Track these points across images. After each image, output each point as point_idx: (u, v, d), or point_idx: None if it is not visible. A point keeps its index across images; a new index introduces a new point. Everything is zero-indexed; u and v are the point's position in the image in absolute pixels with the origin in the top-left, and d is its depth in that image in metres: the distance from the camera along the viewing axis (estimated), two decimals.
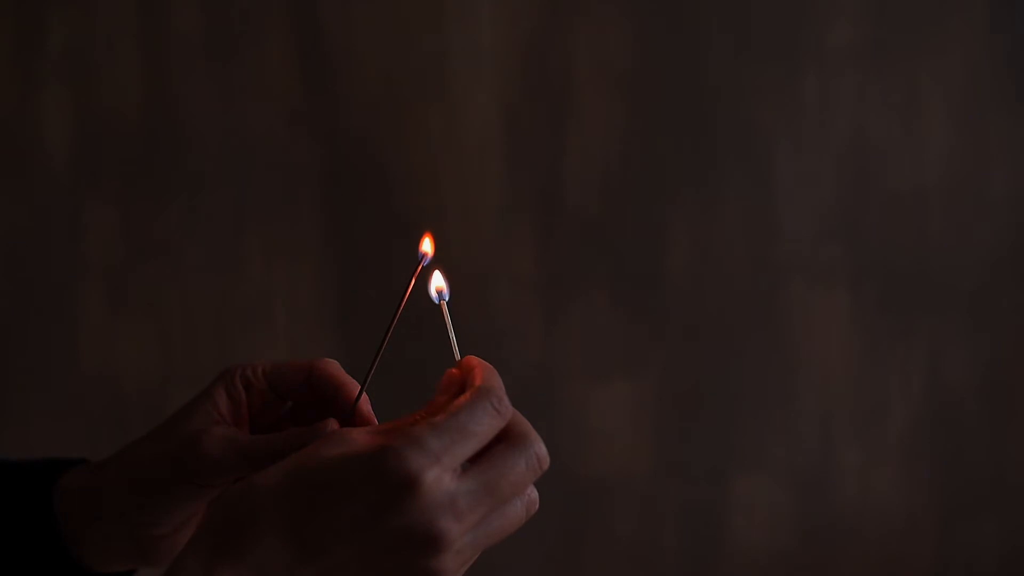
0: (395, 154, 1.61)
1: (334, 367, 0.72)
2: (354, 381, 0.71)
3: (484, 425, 0.61)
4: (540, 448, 0.61)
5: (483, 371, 0.65)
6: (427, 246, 0.76)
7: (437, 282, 0.75)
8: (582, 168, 1.65)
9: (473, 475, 0.59)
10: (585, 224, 1.66)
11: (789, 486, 1.73)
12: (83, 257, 1.57)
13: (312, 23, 1.58)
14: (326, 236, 1.61)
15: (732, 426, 1.71)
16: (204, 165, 1.58)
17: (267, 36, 1.58)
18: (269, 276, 1.60)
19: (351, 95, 1.60)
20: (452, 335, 0.72)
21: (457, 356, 0.71)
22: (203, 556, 0.57)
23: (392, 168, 1.61)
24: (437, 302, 0.73)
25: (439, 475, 0.58)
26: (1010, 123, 1.71)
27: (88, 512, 0.70)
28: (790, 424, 1.72)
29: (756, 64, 1.66)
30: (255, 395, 0.71)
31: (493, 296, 1.65)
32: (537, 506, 0.62)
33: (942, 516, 1.76)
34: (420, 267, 0.73)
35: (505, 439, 0.61)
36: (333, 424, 0.68)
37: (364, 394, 0.71)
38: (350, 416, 0.70)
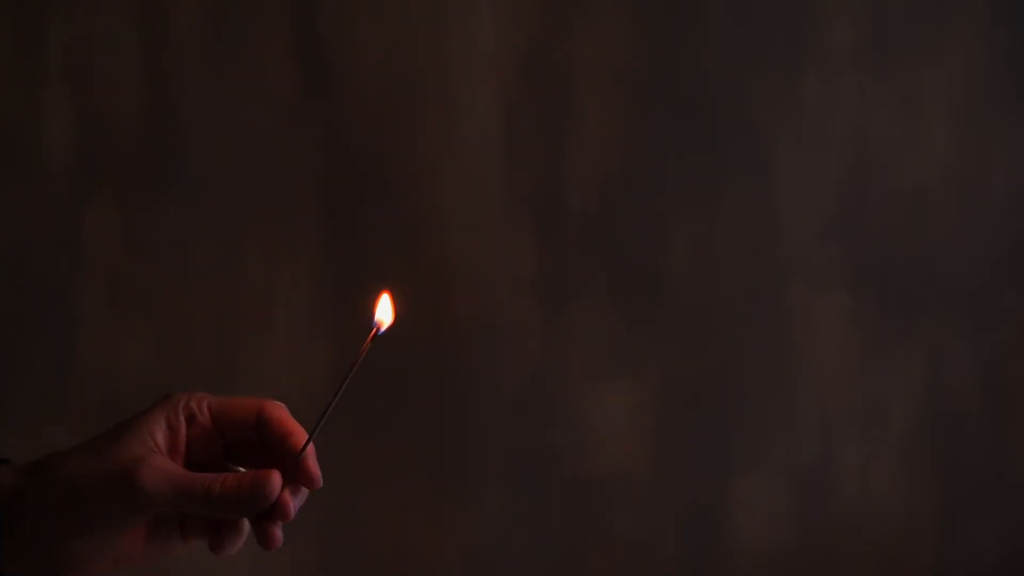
0: (395, 154, 1.61)
1: (282, 412, 0.71)
2: (302, 429, 0.70)
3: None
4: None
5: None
6: (385, 312, 0.75)
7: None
8: (582, 168, 1.65)
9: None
10: (585, 224, 1.66)
11: (789, 486, 1.73)
12: (83, 257, 1.57)
13: (312, 23, 1.58)
14: (326, 236, 1.61)
15: (732, 426, 1.71)
16: (204, 165, 1.58)
17: (267, 36, 1.58)
18: (269, 277, 1.60)
19: (351, 95, 1.60)
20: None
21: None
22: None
23: (392, 168, 1.61)
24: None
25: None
26: (1010, 123, 1.71)
27: (10, 518, 0.69)
28: (790, 424, 1.72)
29: (756, 64, 1.66)
30: (195, 428, 0.70)
31: (493, 296, 1.65)
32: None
33: (942, 516, 1.76)
34: (373, 335, 0.72)
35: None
36: (276, 478, 0.68)
37: (311, 445, 0.69)
38: (294, 467, 0.68)
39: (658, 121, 1.66)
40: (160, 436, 0.69)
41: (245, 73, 1.58)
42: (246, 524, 0.71)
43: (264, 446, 0.70)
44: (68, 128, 1.55)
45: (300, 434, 0.70)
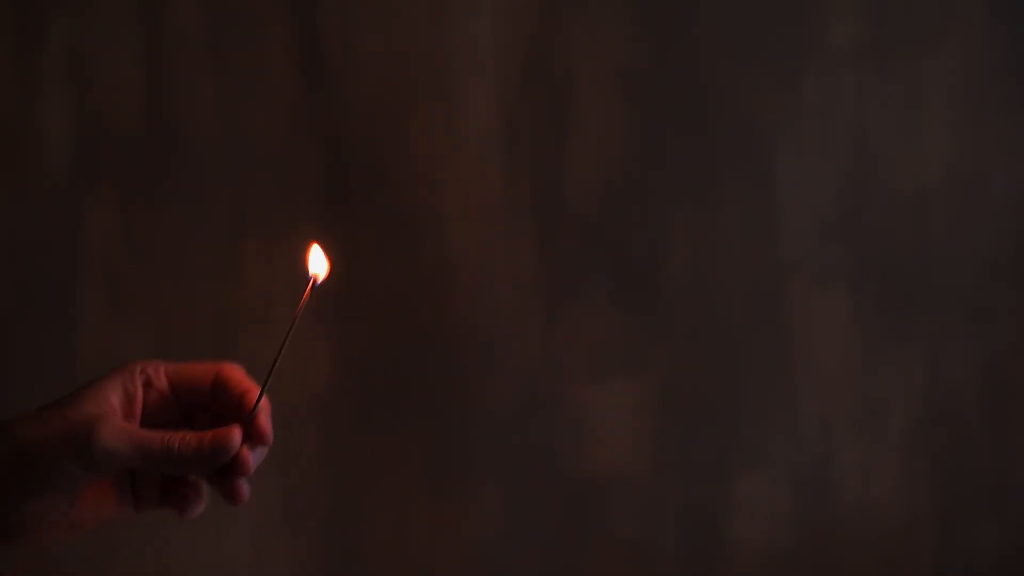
0: (395, 154, 1.61)
1: (239, 372, 0.72)
2: (258, 387, 0.70)
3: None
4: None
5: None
6: (319, 264, 0.75)
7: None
8: (582, 168, 1.65)
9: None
10: (585, 224, 1.66)
11: (789, 486, 1.73)
12: (83, 257, 1.57)
13: (312, 23, 1.58)
14: (326, 236, 1.61)
15: (732, 426, 1.71)
16: (204, 165, 1.58)
17: (267, 36, 1.58)
18: (269, 276, 1.60)
19: (351, 95, 1.60)
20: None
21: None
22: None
23: (392, 168, 1.61)
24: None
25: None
26: (1010, 123, 1.71)
27: None
28: (790, 424, 1.72)
29: (756, 64, 1.66)
30: (152, 393, 0.71)
31: (493, 296, 1.65)
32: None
33: (942, 516, 1.76)
34: (310, 287, 0.72)
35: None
36: (237, 433, 0.68)
37: (265, 401, 0.70)
38: (249, 423, 0.69)
39: (658, 121, 1.66)
40: (116, 400, 0.69)
41: (245, 73, 1.58)
42: (203, 485, 0.71)
43: (219, 411, 0.71)
44: (68, 128, 1.55)
45: (255, 393, 0.70)
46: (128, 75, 1.56)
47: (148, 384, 0.71)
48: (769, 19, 1.66)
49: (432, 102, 1.61)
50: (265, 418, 0.70)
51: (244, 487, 0.69)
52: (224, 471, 0.69)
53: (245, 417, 0.69)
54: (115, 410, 0.69)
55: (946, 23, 1.68)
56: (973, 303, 1.73)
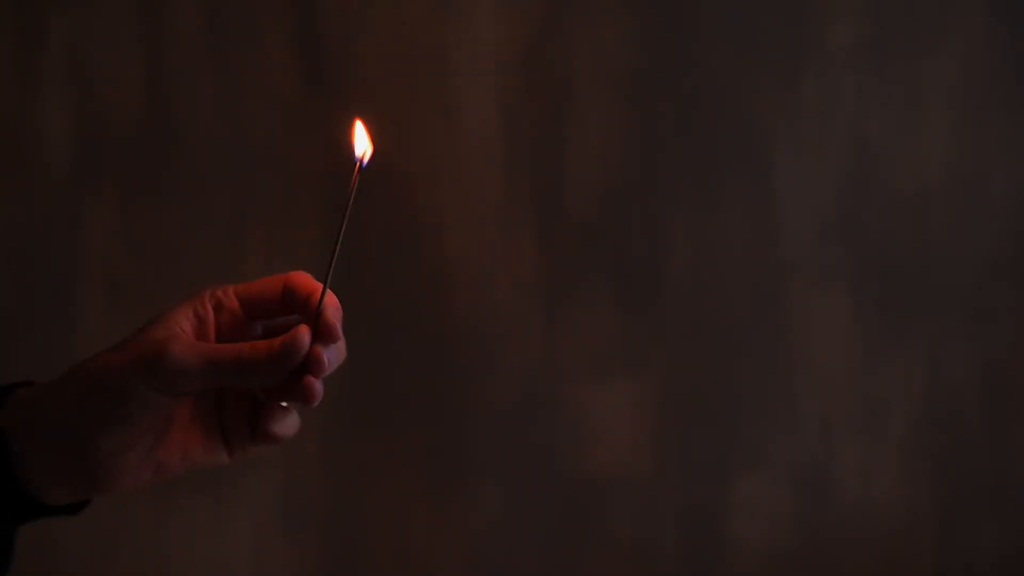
0: (395, 154, 1.61)
1: (306, 276, 0.70)
2: (329, 292, 0.69)
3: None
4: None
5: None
6: (362, 143, 0.74)
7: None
8: (582, 168, 1.65)
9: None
10: (585, 224, 1.66)
11: (789, 486, 1.73)
12: (83, 257, 1.57)
13: (312, 23, 1.58)
14: (326, 236, 1.61)
15: (732, 426, 1.71)
16: (204, 165, 1.58)
17: (267, 36, 1.58)
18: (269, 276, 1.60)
19: (351, 95, 1.59)
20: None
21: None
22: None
23: (392, 168, 1.61)
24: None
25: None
26: (1010, 123, 1.71)
27: (35, 424, 0.67)
28: (790, 424, 1.72)
29: (756, 64, 1.66)
30: (225, 315, 0.69)
31: (493, 296, 1.65)
32: None
33: (942, 516, 1.76)
34: (358, 169, 0.71)
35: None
36: (304, 329, 0.66)
37: (331, 297, 0.68)
38: (316, 321, 0.67)
39: (658, 121, 1.66)
40: (187, 325, 0.68)
41: (245, 73, 1.58)
42: (291, 406, 0.69)
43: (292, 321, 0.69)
44: (68, 128, 1.55)
45: (326, 296, 0.68)
46: (128, 75, 1.56)
47: (219, 307, 0.69)
48: (769, 19, 1.66)
49: (432, 102, 1.61)
50: (332, 313, 0.68)
51: (317, 385, 0.67)
52: (297, 373, 0.67)
53: (311, 315, 0.68)
54: (187, 333, 0.67)
55: (946, 23, 1.68)
56: (973, 303, 1.73)
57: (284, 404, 0.69)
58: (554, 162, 1.64)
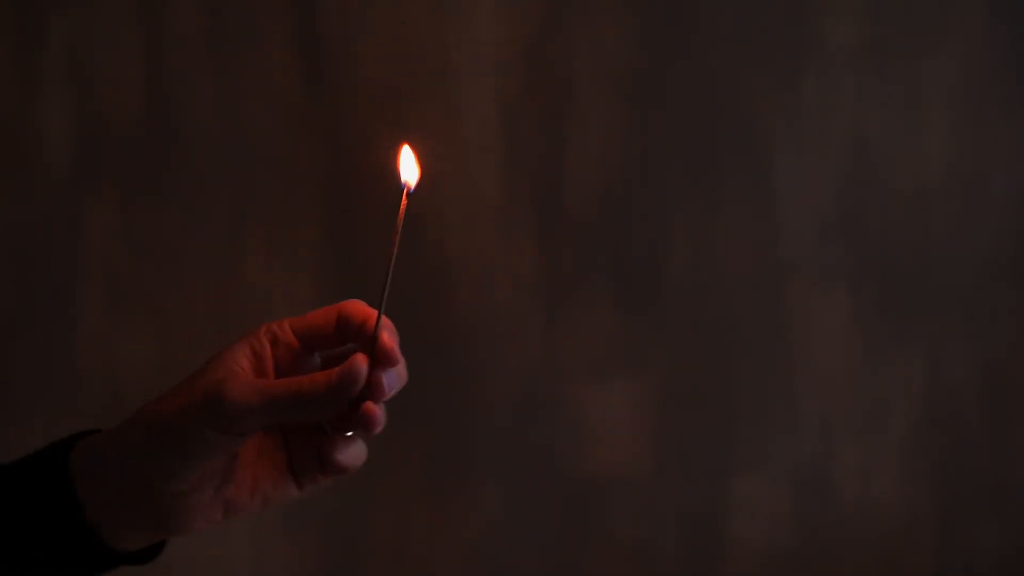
0: (394, 154, 1.61)
1: (360, 304, 0.69)
2: (384, 318, 0.68)
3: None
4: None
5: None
6: (410, 172, 0.74)
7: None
8: (582, 168, 1.65)
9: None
10: (585, 224, 1.66)
11: (789, 486, 1.73)
12: (83, 257, 1.57)
13: (312, 23, 1.58)
14: (326, 236, 1.61)
15: (732, 426, 1.71)
16: (204, 165, 1.58)
17: (267, 36, 1.58)
18: (269, 276, 1.60)
19: (351, 95, 1.60)
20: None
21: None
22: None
23: (392, 168, 1.61)
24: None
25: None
26: (1010, 123, 1.71)
27: (100, 471, 0.68)
28: (790, 424, 1.72)
29: (756, 64, 1.66)
30: (281, 348, 0.69)
31: (493, 296, 1.65)
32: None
33: (942, 516, 1.76)
34: (406, 195, 0.71)
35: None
36: (361, 358, 0.66)
37: (386, 321, 0.68)
38: (373, 347, 0.67)
39: (658, 121, 1.66)
40: (245, 362, 0.68)
41: (245, 73, 1.58)
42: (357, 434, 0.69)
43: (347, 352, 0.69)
44: (68, 128, 1.55)
45: (381, 321, 0.68)
46: (128, 75, 1.56)
47: (275, 341, 0.68)
48: (769, 19, 1.66)
49: (432, 102, 1.61)
50: (388, 336, 0.67)
51: (377, 411, 0.66)
52: (357, 402, 0.67)
53: (367, 341, 0.67)
54: (245, 371, 0.67)
55: (946, 23, 1.68)
56: (973, 303, 1.73)
57: (349, 434, 0.69)
58: (554, 162, 1.64)
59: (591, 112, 1.64)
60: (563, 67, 1.63)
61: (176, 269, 1.59)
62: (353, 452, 0.69)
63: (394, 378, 0.68)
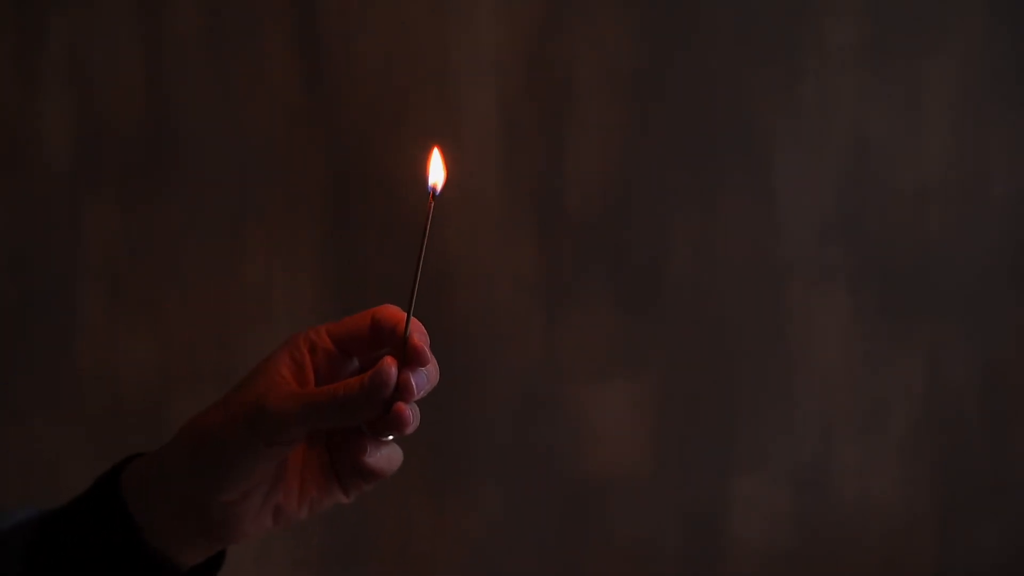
0: (395, 154, 1.61)
1: (393, 308, 0.71)
2: (413, 319, 0.70)
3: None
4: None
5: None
6: (437, 174, 0.75)
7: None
8: (582, 168, 1.65)
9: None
10: (585, 224, 1.66)
11: (789, 486, 1.73)
12: (83, 257, 1.57)
13: (312, 23, 1.58)
14: (326, 236, 1.61)
15: (732, 426, 1.71)
16: (204, 165, 1.58)
17: (267, 36, 1.58)
18: (269, 276, 1.60)
19: (351, 95, 1.60)
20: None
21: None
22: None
23: (392, 168, 1.61)
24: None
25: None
26: (1010, 123, 1.71)
27: (152, 487, 0.70)
28: (790, 424, 1.72)
29: (756, 64, 1.66)
30: (320, 356, 0.70)
31: (493, 296, 1.65)
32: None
33: (942, 516, 1.76)
34: (432, 200, 0.72)
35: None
36: (389, 359, 0.67)
37: (416, 323, 0.69)
38: (403, 349, 0.68)
39: (658, 121, 1.66)
40: (286, 371, 0.69)
41: (245, 73, 1.58)
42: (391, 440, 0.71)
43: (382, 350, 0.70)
44: (68, 128, 1.55)
45: (411, 323, 0.70)
46: (128, 75, 1.56)
47: (313, 348, 0.70)
48: (769, 19, 1.66)
49: (432, 102, 1.61)
50: (418, 337, 0.69)
51: (407, 411, 0.67)
52: (390, 403, 0.68)
53: (398, 343, 0.69)
54: (286, 380, 0.69)
55: (946, 23, 1.68)
56: (973, 303, 1.73)
57: (389, 438, 0.70)
58: (554, 162, 1.64)
59: (591, 112, 1.64)
60: (563, 67, 1.63)
61: (176, 269, 1.59)
62: (385, 456, 0.70)
63: (423, 378, 0.69)
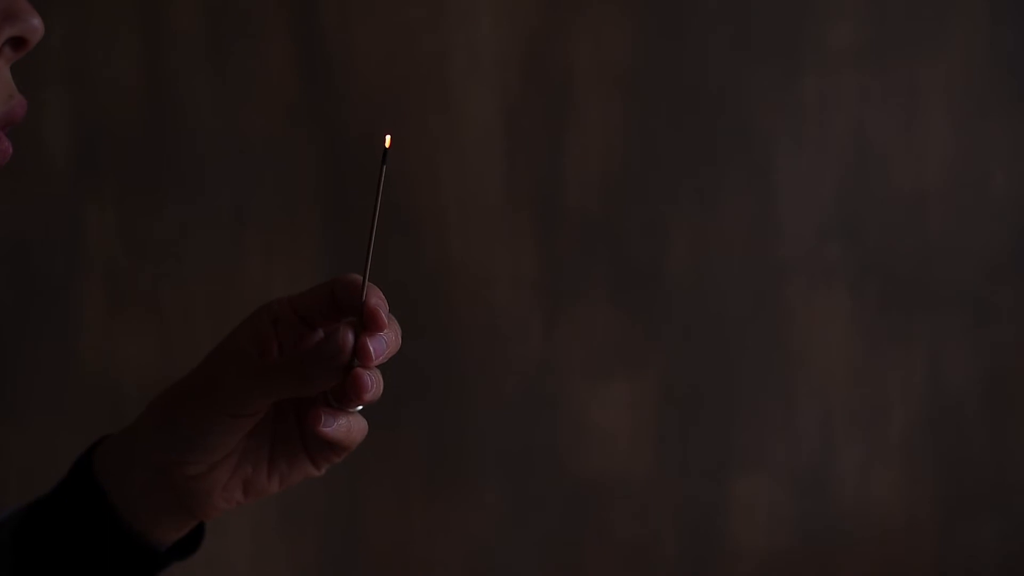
0: (395, 154, 1.61)
1: (352, 277, 0.70)
2: (370, 285, 0.69)
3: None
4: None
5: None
6: (388, 139, 0.75)
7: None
8: (582, 168, 1.65)
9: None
10: (585, 224, 1.66)
11: (789, 486, 1.73)
12: (83, 257, 1.57)
13: (312, 23, 1.58)
14: (326, 236, 1.61)
15: (732, 426, 1.71)
16: (204, 165, 1.58)
17: (267, 36, 1.58)
18: (269, 276, 1.60)
19: (351, 95, 1.60)
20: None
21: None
22: None
23: (392, 168, 1.61)
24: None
25: None
26: (1010, 123, 1.71)
27: (123, 463, 0.70)
28: (790, 424, 1.72)
29: (756, 64, 1.66)
30: (284, 328, 0.70)
31: (493, 296, 1.65)
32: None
33: (942, 516, 1.76)
34: (384, 159, 0.72)
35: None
36: (344, 326, 0.66)
37: (371, 287, 0.69)
38: (359, 314, 0.67)
39: (658, 121, 1.66)
40: (248, 344, 0.69)
41: (245, 73, 1.58)
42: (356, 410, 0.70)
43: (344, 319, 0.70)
44: (68, 128, 1.55)
45: (369, 289, 0.69)
46: (128, 75, 1.56)
47: (276, 320, 0.69)
48: (769, 19, 1.66)
49: (432, 102, 1.61)
50: (375, 301, 0.68)
51: (364, 376, 0.66)
52: (348, 369, 0.67)
53: (354, 307, 0.68)
54: (246, 353, 0.68)
55: (946, 23, 1.68)
56: (973, 303, 1.73)
57: (358, 409, 0.69)
58: (554, 161, 1.64)
59: (591, 112, 1.64)
60: (563, 67, 1.63)
61: (176, 269, 1.59)
62: (344, 426, 0.69)
63: (381, 343, 0.67)
